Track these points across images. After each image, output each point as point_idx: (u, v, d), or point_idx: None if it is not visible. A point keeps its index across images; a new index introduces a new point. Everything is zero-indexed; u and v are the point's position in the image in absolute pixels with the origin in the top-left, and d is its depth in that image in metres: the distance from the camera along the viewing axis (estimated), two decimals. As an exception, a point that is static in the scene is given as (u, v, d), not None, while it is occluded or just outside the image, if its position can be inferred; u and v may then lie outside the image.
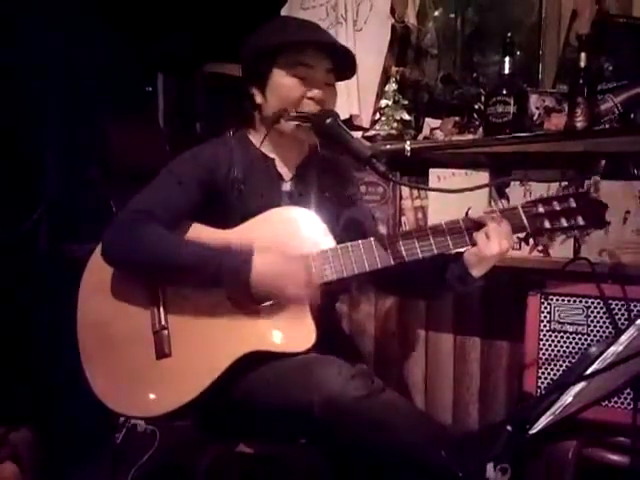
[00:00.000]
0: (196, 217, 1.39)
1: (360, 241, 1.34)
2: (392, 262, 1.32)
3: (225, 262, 1.27)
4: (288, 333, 1.32)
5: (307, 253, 1.33)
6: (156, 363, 1.34)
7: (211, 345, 1.32)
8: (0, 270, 1.96)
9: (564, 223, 1.33)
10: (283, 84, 1.37)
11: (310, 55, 1.37)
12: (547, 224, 1.33)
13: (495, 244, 1.30)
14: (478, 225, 1.33)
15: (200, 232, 1.38)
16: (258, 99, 1.42)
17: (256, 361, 1.31)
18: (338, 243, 1.36)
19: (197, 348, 1.33)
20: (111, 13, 2.19)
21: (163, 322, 1.36)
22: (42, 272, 2.03)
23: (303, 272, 1.29)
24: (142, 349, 1.35)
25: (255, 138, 1.46)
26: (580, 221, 1.33)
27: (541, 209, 1.34)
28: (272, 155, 1.45)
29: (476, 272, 1.35)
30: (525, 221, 1.33)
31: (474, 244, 1.32)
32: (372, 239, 1.34)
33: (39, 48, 2.04)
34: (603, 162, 1.67)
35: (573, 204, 1.33)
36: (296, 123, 1.37)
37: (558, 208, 1.33)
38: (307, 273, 1.29)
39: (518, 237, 1.42)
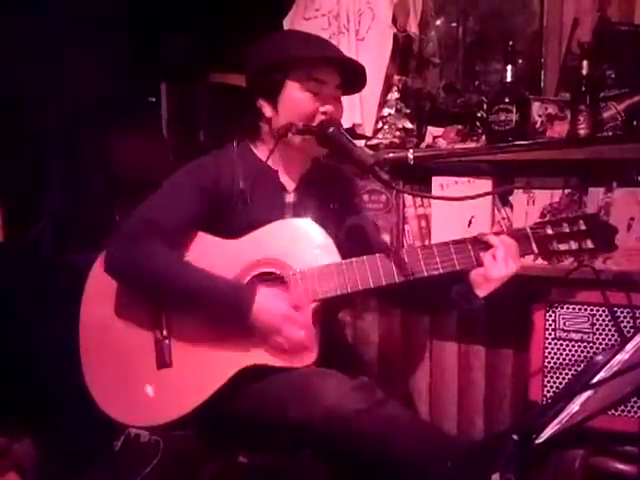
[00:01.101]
0: (200, 227, 1.39)
1: (365, 257, 1.33)
2: (397, 280, 1.31)
3: (226, 301, 1.29)
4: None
5: (310, 268, 1.32)
6: (157, 373, 1.34)
7: (212, 357, 1.32)
8: (3, 280, 1.96)
9: (573, 246, 1.32)
10: (297, 98, 1.37)
11: (323, 70, 1.37)
12: (556, 246, 1.32)
13: (502, 266, 1.28)
14: (485, 245, 1.31)
15: (205, 242, 1.38)
16: (267, 112, 1.40)
17: (257, 374, 1.30)
18: (342, 253, 1.35)
19: (198, 359, 1.33)
20: (113, 22, 2.20)
21: (165, 332, 1.36)
22: (45, 282, 2.03)
23: (302, 321, 1.29)
24: (143, 359, 1.35)
25: (259, 150, 1.46)
26: (589, 244, 1.31)
27: (550, 231, 1.32)
28: (276, 167, 1.45)
29: (481, 292, 1.33)
30: (533, 243, 1.32)
31: (480, 264, 1.31)
32: (377, 255, 1.33)
33: (40, 60, 2.05)
34: None
35: (583, 226, 1.32)
36: (303, 136, 1.36)
37: (567, 230, 1.32)
38: (306, 321, 1.29)
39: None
